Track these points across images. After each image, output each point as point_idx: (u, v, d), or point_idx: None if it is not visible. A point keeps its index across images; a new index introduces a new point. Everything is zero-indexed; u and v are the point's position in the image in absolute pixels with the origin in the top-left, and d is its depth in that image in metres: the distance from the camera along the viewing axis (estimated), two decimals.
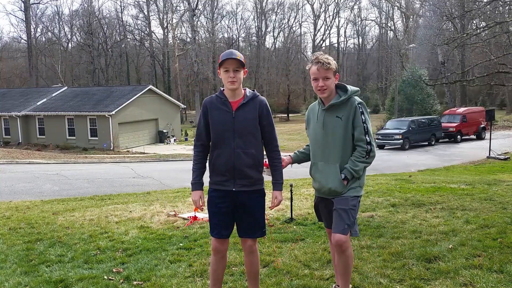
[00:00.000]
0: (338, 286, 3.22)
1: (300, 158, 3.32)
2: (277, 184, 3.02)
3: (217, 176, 2.93)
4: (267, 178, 3.16)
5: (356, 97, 2.94)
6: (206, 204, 3.05)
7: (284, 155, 3.27)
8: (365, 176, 3.06)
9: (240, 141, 2.86)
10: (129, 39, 64.73)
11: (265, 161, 3.41)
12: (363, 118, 2.88)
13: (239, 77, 2.86)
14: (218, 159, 2.91)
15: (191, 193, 3.07)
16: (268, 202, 3.09)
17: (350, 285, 3.18)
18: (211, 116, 2.93)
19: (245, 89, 2.97)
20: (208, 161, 3.01)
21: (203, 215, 5.97)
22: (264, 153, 3.11)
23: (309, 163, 3.26)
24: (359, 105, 2.89)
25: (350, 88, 2.94)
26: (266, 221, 5.53)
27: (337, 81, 2.96)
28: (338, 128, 2.91)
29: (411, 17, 47.87)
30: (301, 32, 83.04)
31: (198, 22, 58.41)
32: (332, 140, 2.94)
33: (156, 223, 5.76)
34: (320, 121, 2.99)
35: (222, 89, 3.01)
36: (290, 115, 55.63)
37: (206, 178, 3.05)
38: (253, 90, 2.99)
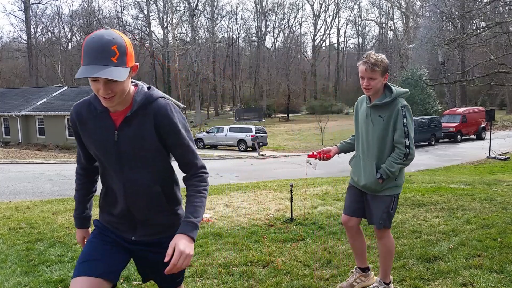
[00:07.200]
0: (360, 268, 3.34)
1: (346, 148, 3.39)
2: (189, 223, 1.85)
3: (110, 216, 2.04)
4: (311, 171, 3.19)
5: (402, 100, 2.97)
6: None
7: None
8: (404, 176, 3.12)
9: (133, 173, 1.89)
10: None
11: (312, 152, 3.44)
12: (405, 121, 2.91)
13: (119, 87, 1.71)
14: (106, 199, 2.03)
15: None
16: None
17: (391, 277, 3.25)
18: (84, 135, 1.92)
19: (136, 88, 1.87)
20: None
21: (203, 215, 5.97)
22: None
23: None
24: (403, 108, 2.92)
25: (396, 90, 2.97)
26: (265, 222, 5.55)
27: (386, 81, 2.98)
28: (378, 126, 2.98)
29: (411, 17, 47.88)
30: (301, 32, 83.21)
31: (198, 22, 58.51)
32: (372, 137, 3.03)
33: None
34: (367, 116, 3.06)
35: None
36: (290, 115, 55.64)
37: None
38: (149, 88, 1.91)
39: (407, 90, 3.07)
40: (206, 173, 2.00)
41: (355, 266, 3.41)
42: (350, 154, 3.38)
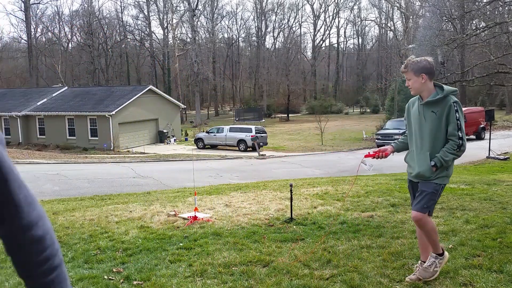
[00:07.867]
0: (424, 262, 3.45)
1: (401, 147, 3.61)
2: None
3: None
4: (364, 172, 3.30)
5: (453, 96, 3.23)
6: None
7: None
8: (453, 167, 3.33)
9: None
10: (129, 39, 64.77)
11: (369, 152, 3.52)
12: (457, 115, 3.16)
13: None
14: None
15: None
16: None
17: (442, 245, 3.50)
18: None
19: None
20: None
21: (204, 215, 5.98)
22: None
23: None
24: (454, 104, 3.18)
25: (446, 88, 3.24)
26: (265, 222, 5.55)
27: (424, 81, 3.23)
28: (431, 121, 3.23)
29: (411, 17, 47.89)
30: (301, 32, 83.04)
31: (198, 22, 58.55)
32: (426, 131, 3.28)
33: (156, 223, 5.77)
34: (420, 114, 3.31)
35: None
36: (290, 115, 55.65)
37: None
38: None
39: (456, 88, 3.37)
40: (46, 237, 1.06)
41: (419, 261, 3.54)
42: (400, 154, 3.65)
